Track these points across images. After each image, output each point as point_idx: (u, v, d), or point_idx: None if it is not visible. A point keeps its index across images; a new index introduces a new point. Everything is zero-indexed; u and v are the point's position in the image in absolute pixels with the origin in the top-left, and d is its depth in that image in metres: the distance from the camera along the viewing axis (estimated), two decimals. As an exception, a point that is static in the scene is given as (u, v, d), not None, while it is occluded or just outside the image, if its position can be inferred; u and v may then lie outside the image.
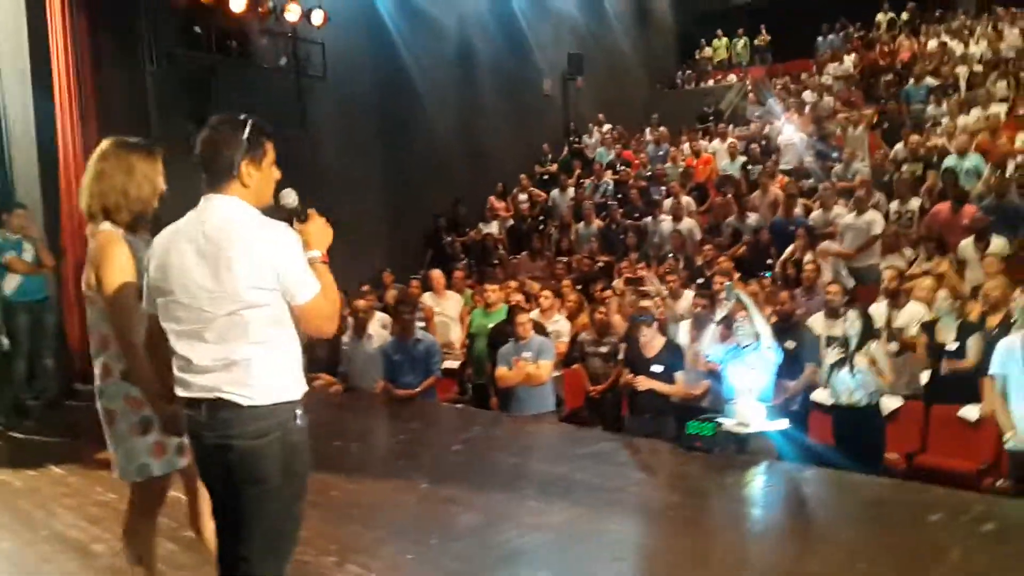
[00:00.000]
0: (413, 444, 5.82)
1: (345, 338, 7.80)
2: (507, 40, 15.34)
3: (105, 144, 3.09)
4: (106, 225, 2.98)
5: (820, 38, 17.08)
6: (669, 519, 4.20)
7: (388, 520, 4.29)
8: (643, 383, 5.91)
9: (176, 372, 2.45)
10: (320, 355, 8.36)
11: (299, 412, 2.47)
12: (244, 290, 2.35)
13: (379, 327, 8.03)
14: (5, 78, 7.53)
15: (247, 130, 2.49)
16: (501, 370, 6.61)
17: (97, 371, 3.02)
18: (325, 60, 11.56)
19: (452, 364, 8.54)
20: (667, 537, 3.98)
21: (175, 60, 9.54)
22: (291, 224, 2.57)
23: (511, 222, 13.49)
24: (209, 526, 2.88)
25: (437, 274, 9.57)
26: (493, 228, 13.43)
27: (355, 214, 12.21)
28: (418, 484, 4.78)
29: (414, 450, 5.69)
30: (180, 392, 2.45)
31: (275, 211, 2.58)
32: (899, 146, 11.23)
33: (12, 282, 6.92)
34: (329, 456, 5.43)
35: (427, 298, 9.29)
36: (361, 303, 8.05)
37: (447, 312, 9.21)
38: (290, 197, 2.63)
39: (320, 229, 2.61)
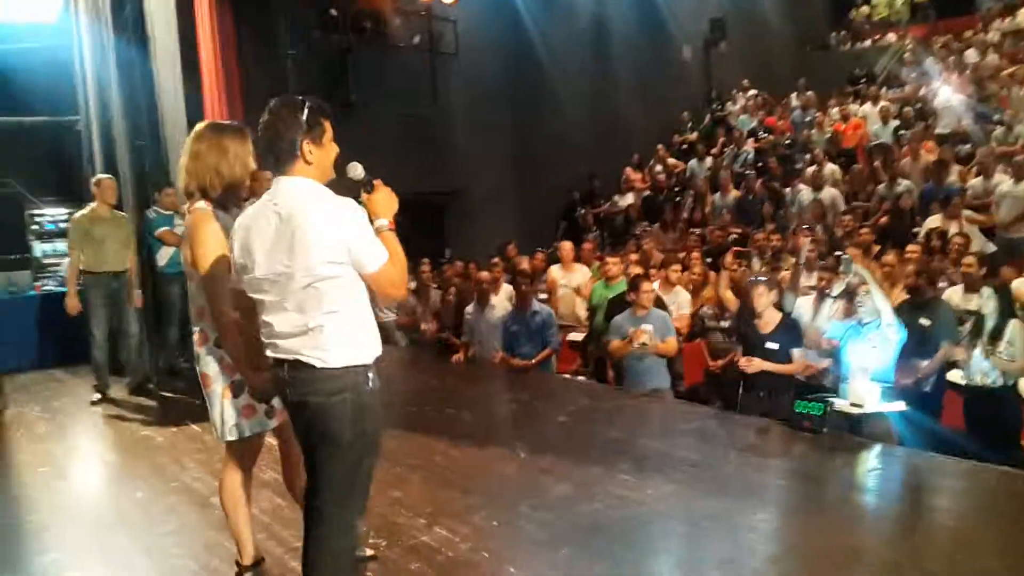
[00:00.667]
0: (521, 414, 5.91)
1: (469, 308, 7.97)
2: (643, 8, 15.00)
3: (200, 127, 3.32)
4: (200, 203, 3.19)
5: (986, -8, 15.70)
6: (763, 500, 4.08)
7: (483, 487, 4.39)
8: (755, 366, 5.68)
9: (264, 337, 2.68)
10: (447, 322, 8.66)
11: (371, 375, 2.63)
12: (317, 265, 2.51)
13: (504, 299, 8.17)
14: (159, 64, 8.06)
15: (305, 111, 2.63)
16: (614, 342, 6.54)
17: (196, 338, 3.27)
18: (457, 38, 11.77)
19: (577, 336, 8.57)
20: (757, 519, 3.85)
21: (312, 42, 10.00)
22: (359, 195, 2.71)
23: (647, 193, 13.29)
24: (301, 486, 3.09)
25: (567, 246, 9.56)
26: (629, 199, 13.28)
27: (487, 188, 12.47)
28: (518, 453, 4.87)
29: (520, 420, 5.78)
30: (269, 353, 2.67)
31: (342, 183, 2.73)
32: (1071, 106, 10.23)
33: (165, 255, 7.51)
34: (439, 422, 5.67)
35: (554, 270, 9.32)
36: (485, 275, 8.20)
37: (574, 284, 9.22)
38: (357, 170, 2.77)
39: (386, 198, 2.74)
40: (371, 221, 2.67)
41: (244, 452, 3.31)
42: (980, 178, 9.24)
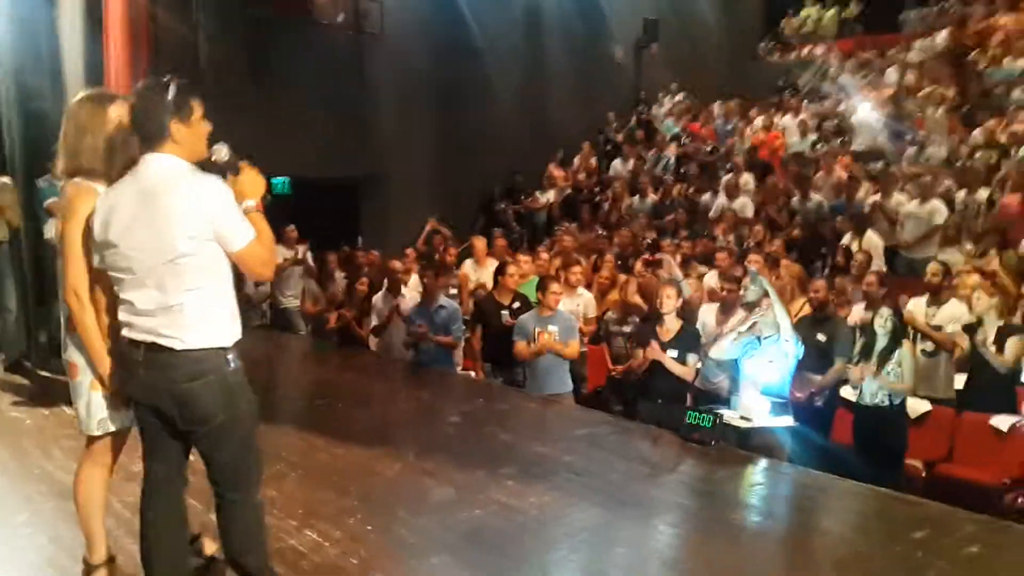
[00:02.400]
0: (414, 413, 5.79)
1: (377, 297, 7.76)
2: (578, 3, 14.95)
3: (73, 103, 3.09)
4: (78, 179, 2.97)
5: (909, 12, 16.10)
6: (643, 513, 4.04)
7: (362, 489, 4.24)
8: (654, 352, 5.71)
9: (121, 315, 2.67)
10: (354, 311, 8.41)
11: (231, 357, 2.66)
12: (180, 240, 2.51)
13: (414, 290, 7.99)
14: (64, 23, 7.57)
15: (172, 92, 2.62)
16: (519, 345, 6.42)
17: (63, 323, 3.05)
18: (383, 18, 11.50)
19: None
20: (636, 533, 3.82)
21: (230, 14, 9.61)
22: (224, 177, 2.71)
23: (568, 192, 13.26)
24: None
25: (479, 242, 9.45)
26: (550, 196, 13.24)
27: (407, 175, 12.25)
28: (404, 454, 4.73)
29: (414, 419, 5.65)
30: (125, 333, 2.66)
31: (209, 165, 2.72)
32: (976, 131, 10.55)
33: (52, 226, 7.06)
34: (329, 418, 5.51)
35: (467, 265, 9.20)
36: (396, 264, 8.01)
37: (485, 280, 9.10)
38: (222, 151, 2.78)
39: (253, 180, 2.77)
40: (238, 203, 2.66)
41: (109, 447, 3.12)
42: (888, 196, 9.45)
